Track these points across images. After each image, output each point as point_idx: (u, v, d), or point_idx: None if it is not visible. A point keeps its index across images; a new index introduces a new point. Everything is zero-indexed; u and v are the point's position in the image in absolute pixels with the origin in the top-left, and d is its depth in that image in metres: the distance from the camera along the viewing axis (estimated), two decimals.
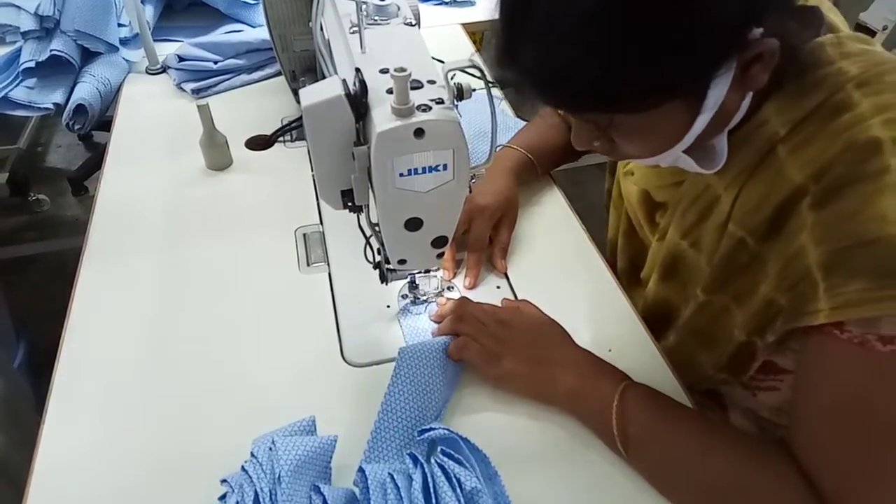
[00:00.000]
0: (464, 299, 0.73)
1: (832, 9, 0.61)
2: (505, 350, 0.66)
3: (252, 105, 1.12)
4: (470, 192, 0.59)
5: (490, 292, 0.80)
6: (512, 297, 0.79)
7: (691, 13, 0.44)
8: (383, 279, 0.71)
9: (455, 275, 0.81)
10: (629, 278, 0.85)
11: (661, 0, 0.44)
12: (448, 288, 0.79)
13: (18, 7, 1.15)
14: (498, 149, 0.91)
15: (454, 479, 0.55)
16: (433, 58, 0.61)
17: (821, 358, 0.52)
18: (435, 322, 0.74)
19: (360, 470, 0.57)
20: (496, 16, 0.53)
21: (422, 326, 0.75)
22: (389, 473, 0.56)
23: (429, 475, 0.55)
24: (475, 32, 1.44)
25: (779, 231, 0.56)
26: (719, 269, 0.63)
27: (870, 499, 0.50)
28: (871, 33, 1.81)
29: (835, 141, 0.52)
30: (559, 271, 0.82)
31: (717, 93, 0.50)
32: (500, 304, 0.74)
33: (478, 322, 0.69)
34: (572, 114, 0.56)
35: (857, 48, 0.56)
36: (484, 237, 0.81)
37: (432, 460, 0.57)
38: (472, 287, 0.80)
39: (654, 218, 0.75)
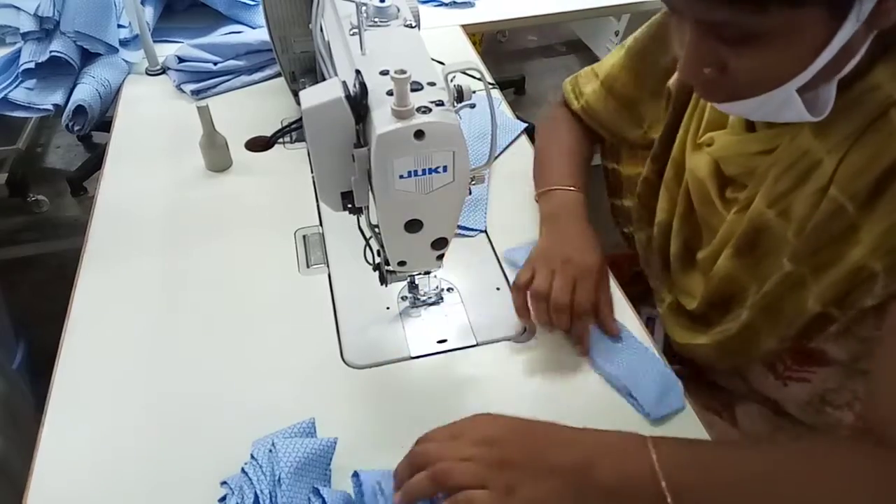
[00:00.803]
0: (420, 440, 0.58)
1: None
2: (514, 475, 0.53)
3: (252, 106, 1.12)
4: (470, 193, 0.58)
5: (489, 294, 0.80)
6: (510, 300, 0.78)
7: None
8: (383, 281, 0.71)
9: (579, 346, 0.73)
10: (684, 260, 0.78)
11: None
12: (448, 290, 0.79)
13: (18, 8, 1.15)
14: (546, 190, 0.86)
15: None
16: (433, 59, 0.61)
17: None
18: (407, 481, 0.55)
19: (355, 475, 0.57)
20: None
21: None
22: (377, 481, 0.56)
23: None
24: (475, 34, 1.44)
25: (881, 195, 0.54)
26: (811, 238, 0.60)
27: None
28: None
29: None
30: None
31: (858, 13, 0.48)
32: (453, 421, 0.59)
33: (461, 460, 0.54)
34: (706, 14, 0.52)
35: None
36: (589, 301, 0.73)
37: None
38: (584, 355, 0.72)
39: (724, 194, 0.71)
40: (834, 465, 0.53)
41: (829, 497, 0.52)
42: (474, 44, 1.37)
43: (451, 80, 0.54)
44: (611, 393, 0.68)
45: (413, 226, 0.59)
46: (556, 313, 0.72)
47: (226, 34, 1.28)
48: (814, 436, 0.64)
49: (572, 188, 0.84)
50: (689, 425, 0.65)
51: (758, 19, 0.49)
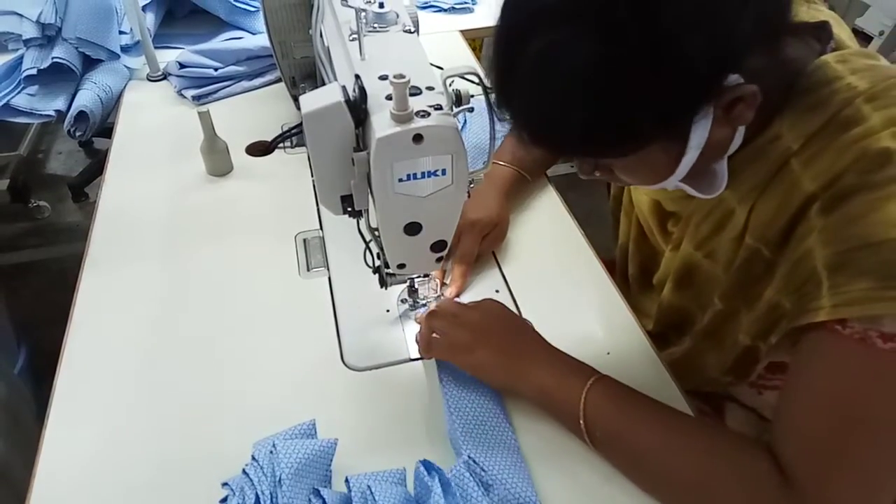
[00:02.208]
0: (441, 299, 0.74)
1: (840, 23, 0.62)
2: (479, 340, 0.67)
3: (252, 111, 1.13)
4: (469, 196, 0.59)
5: (488, 296, 0.80)
6: (511, 302, 0.79)
7: (661, 71, 0.46)
8: (383, 283, 0.71)
9: (443, 284, 0.81)
10: (641, 283, 0.86)
11: (636, 56, 0.46)
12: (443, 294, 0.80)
13: (20, 15, 1.16)
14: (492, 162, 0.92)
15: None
16: (432, 64, 0.61)
17: (819, 352, 0.53)
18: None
19: (347, 481, 0.58)
20: (491, 57, 0.54)
21: None
22: (368, 485, 0.56)
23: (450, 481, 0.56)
24: (474, 39, 1.45)
25: (789, 238, 0.57)
26: (737, 279, 0.64)
27: (845, 490, 0.51)
28: (868, 38, 1.82)
29: (846, 152, 0.53)
30: (558, 277, 0.83)
31: (699, 134, 0.52)
32: None
33: (449, 315, 0.69)
34: (564, 157, 0.59)
35: (864, 63, 0.57)
36: (472, 252, 0.82)
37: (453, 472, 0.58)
38: (456, 296, 0.80)
39: (665, 227, 0.76)
40: (730, 464, 0.56)
41: (705, 486, 0.56)
42: (473, 49, 1.38)
43: (450, 85, 0.54)
44: None
45: (413, 229, 0.60)
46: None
47: (226, 40, 1.28)
48: (730, 433, 0.68)
49: (507, 165, 0.90)
50: None
51: (606, 160, 0.56)
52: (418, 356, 0.73)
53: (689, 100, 0.49)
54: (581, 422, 0.61)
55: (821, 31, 0.60)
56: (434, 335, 0.68)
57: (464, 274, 0.81)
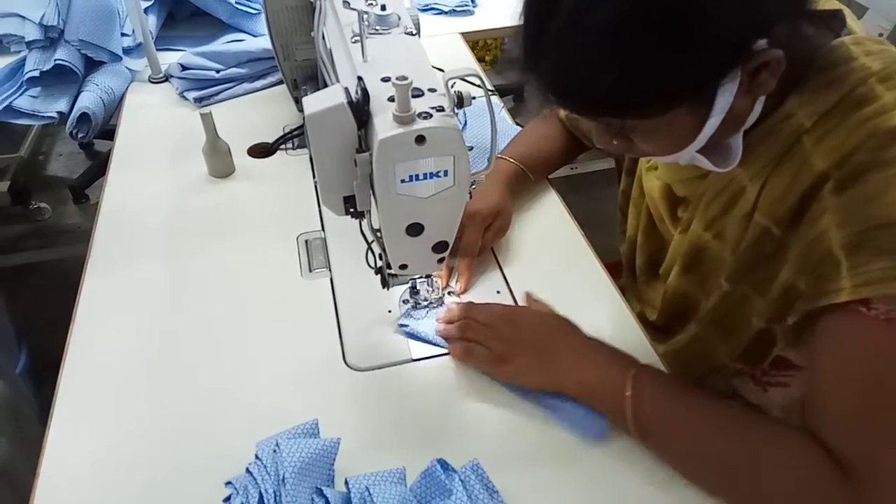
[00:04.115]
0: (469, 304, 0.74)
1: (852, 16, 0.63)
2: (513, 350, 0.68)
3: (254, 113, 1.13)
4: (470, 197, 0.60)
5: (489, 297, 0.80)
6: (511, 303, 0.79)
7: (694, 29, 0.47)
8: (385, 284, 0.72)
9: (448, 282, 0.81)
10: (648, 274, 0.86)
11: (668, 15, 0.47)
12: (448, 293, 0.80)
13: (23, 17, 1.17)
14: (497, 156, 0.93)
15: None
16: (433, 66, 0.62)
17: (845, 334, 0.53)
18: (443, 324, 0.75)
19: (346, 482, 0.58)
20: (520, 22, 0.55)
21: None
22: (366, 487, 0.57)
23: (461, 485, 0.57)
24: (476, 41, 1.45)
25: (801, 217, 0.58)
26: (744, 259, 0.65)
27: (894, 466, 0.51)
28: None
29: (858, 130, 0.54)
30: (558, 277, 0.83)
31: (724, 99, 0.53)
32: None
33: (483, 326, 0.70)
34: (588, 118, 0.59)
35: (878, 47, 0.58)
36: (475, 243, 0.82)
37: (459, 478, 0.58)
38: (463, 292, 0.80)
39: (675, 212, 0.76)
40: (783, 451, 0.56)
41: (758, 475, 0.55)
42: (473, 50, 1.38)
43: (452, 87, 0.55)
44: None
45: (414, 229, 0.60)
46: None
47: (228, 42, 1.29)
48: (779, 420, 0.68)
49: (512, 161, 0.91)
50: None
51: (630, 122, 0.56)
52: (420, 357, 0.73)
53: (720, 61, 0.50)
54: (628, 415, 0.61)
55: (834, 20, 0.61)
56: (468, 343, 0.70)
57: (469, 266, 0.81)
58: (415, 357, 0.73)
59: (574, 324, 0.70)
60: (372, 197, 0.59)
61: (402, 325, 0.76)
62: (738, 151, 0.60)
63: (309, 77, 1.05)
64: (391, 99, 0.54)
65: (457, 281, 0.81)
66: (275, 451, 0.58)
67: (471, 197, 0.60)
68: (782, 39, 0.50)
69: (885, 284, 0.50)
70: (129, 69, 1.23)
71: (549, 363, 0.66)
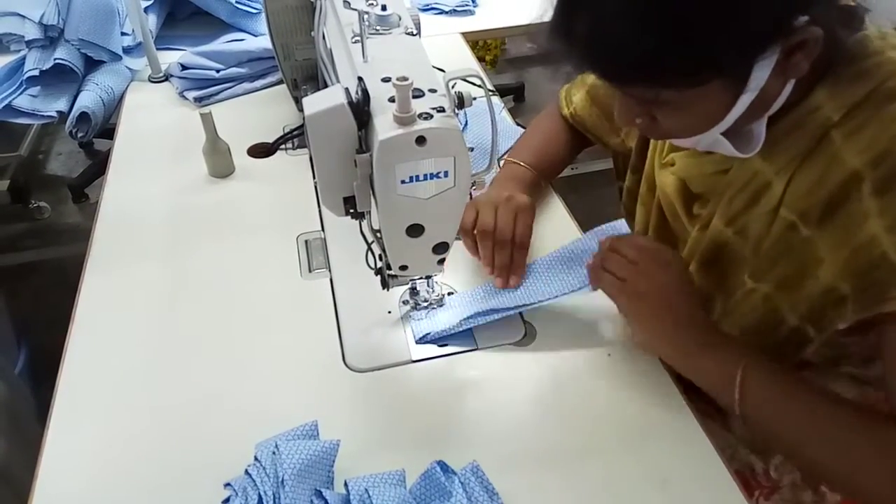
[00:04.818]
0: (616, 237, 0.71)
1: (867, 11, 0.62)
2: (651, 291, 0.65)
3: (254, 113, 1.13)
4: (471, 198, 0.59)
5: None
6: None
7: None
8: (385, 285, 0.72)
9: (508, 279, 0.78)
10: None
11: None
12: (449, 293, 0.80)
13: (23, 16, 1.16)
14: (500, 162, 0.92)
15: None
16: (434, 67, 0.61)
17: None
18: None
19: (345, 484, 0.58)
20: None
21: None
22: (366, 488, 0.56)
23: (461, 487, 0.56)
24: (476, 41, 1.45)
25: (833, 215, 0.57)
26: (768, 256, 0.64)
27: None
28: None
29: (890, 127, 0.53)
30: None
31: (760, 75, 0.52)
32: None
33: (628, 260, 0.67)
34: (620, 87, 0.57)
35: None
36: (529, 233, 0.79)
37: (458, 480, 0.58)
38: (515, 285, 0.78)
39: (691, 209, 0.75)
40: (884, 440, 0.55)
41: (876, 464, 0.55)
42: (474, 50, 1.38)
43: (452, 87, 0.54)
44: (611, 395, 0.69)
45: (415, 230, 0.60)
46: (499, 247, 0.77)
47: (228, 42, 1.29)
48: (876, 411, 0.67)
49: (527, 167, 0.88)
50: (688, 428, 0.66)
51: (665, 93, 0.55)
52: (420, 358, 0.73)
53: (763, 32, 0.49)
54: (735, 403, 0.60)
55: (856, 13, 0.60)
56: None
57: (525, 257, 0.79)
58: (414, 358, 0.73)
59: (701, 305, 0.67)
60: (372, 197, 0.59)
61: (421, 339, 0.74)
62: (760, 137, 0.59)
63: (309, 77, 1.05)
64: (392, 99, 0.54)
65: (511, 275, 0.78)
66: (274, 452, 0.57)
67: (471, 198, 0.60)
68: (820, 19, 0.50)
69: None
70: (129, 68, 1.23)
71: (675, 331, 0.64)
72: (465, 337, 0.75)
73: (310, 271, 0.84)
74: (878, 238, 0.54)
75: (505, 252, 0.78)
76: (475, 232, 0.79)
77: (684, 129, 0.59)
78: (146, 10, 1.23)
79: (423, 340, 0.74)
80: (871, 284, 0.55)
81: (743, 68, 0.51)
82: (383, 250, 0.66)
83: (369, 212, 0.63)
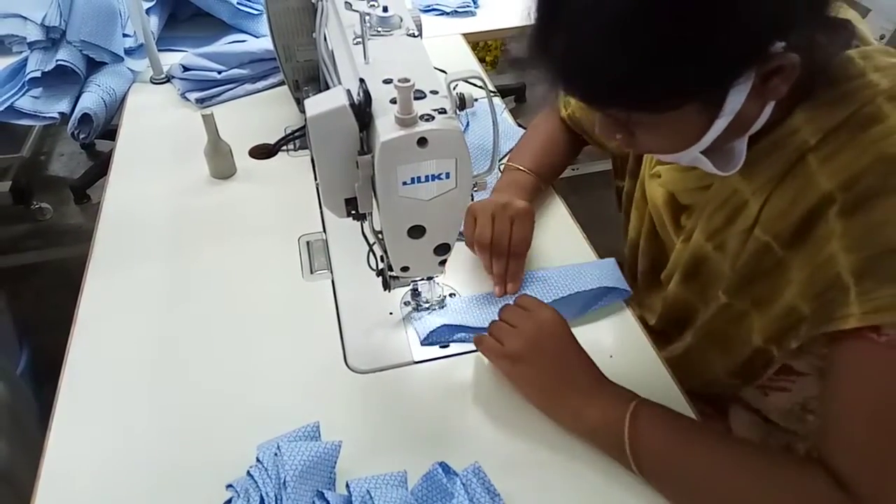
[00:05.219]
0: (508, 305, 0.72)
1: (861, 20, 0.62)
2: (527, 355, 0.65)
3: (256, 114, 1.13)
4: (472, 199, 0.59)
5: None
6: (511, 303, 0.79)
7: (715, 23, 0.46)
8: (386, 286, 0.72)
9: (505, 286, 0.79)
10: (650, 280, 0.85)
11: (687, 7, 0.46)
12: (451, 295, 0.80)
13: (25, 18, 1.17)
14: (501, 165, 0.92)
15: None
16: (435, 68, 0.61)
17: (857, 361, 0.53)
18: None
19: (347, 486, 0.58)
20: (532, 10, 0.54)
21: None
22: (367, 490, 0.56)
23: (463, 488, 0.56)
24: (477, 42, 1.45)
25: (805, 238, 0.57)
26: (743, 273, 0.64)
27: None
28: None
29: (865, 152, 0.53)
30: None
31: (735, 100, 0.52)
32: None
33: (508, 323, 0.68)
34: (595, 108, 0.58)
35: (887, 62, 0.57)
36: (528, 240, 0.80)
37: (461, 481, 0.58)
38: (514, 292, 0.78)
39: (679, 220, 0.75)
40: (787, 485, 0.54)
41: None
42: (475, 51, 1.38)
43: (454, 89, 0.54)
44: None
45: (416, 232, 0.60)
46: (496, 256, 0.78)
47: (230, 43, 1.29)
48: (781, 452, 0.67)
49: (528, 171, 0.89)
50: None
51: (637, 115, 0.55)
52: (422, 359, 0.73)
53: (737, 59, 0.49)
54: (627, 452, 0.59)
55: (843, 30, 0.59)
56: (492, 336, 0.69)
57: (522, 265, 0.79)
58: (416, 359, 0.73)
59: (588, 356, 0.66)
60: (374, 199, 0.59)
61: (425, 340, 0.74)
62: (741, 156, 0.59)
63: (310, 78, 1.05)
64: (393, 101, 0.54)
65: (509, 282, 0.79)
66: (276, 453, 0.57)
67: (472, 199, 0.60)
68: (799, 45, 0.50)
69: (894, 311, 0.49)
70: (131, 70, 1.23)
71: (555, 388, 0.65)
72: (467, 338, 0.75)
73: (311, 272, 0.84)
74: (835, 257, 0.54)
75: (502, 262, 0.78)
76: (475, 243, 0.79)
77: (662, 147, 0.60)
78: (148, 11, 1.23)
79: (427, 342, 0.74)
80: (825, 303, 0.55)
81: (717, 94, 0.51)
82: (385, 251, 0.66)
83: (371, 213, 0.63)
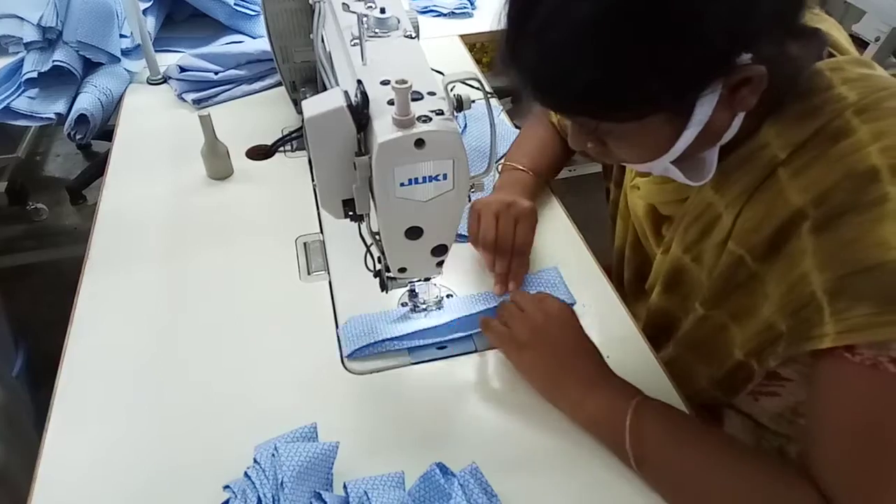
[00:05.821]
0: (521, 291, 0.74)
1: (837, 27, 0.62)
2: (533, 342, 0.67)
3: (253, 115, 1.13)
4: (469, 200, 0.60)
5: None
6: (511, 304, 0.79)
7: (680, 35, 0.47)
8: (384, 287, 0.72)
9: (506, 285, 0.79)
10: (635, 288, 0.86)
11: (652, 19, 0.46)
12: (448, 296, 0.80)
13: (21, 18, 1.16)
14: (498, 165, 0.92)
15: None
16: (433, 69, 0.62)
17: (835, 380, 0.53)
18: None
19: (344, 486, 0.58)
20: (503, 17, 0.54)
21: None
22: (365, 491, 0.56)
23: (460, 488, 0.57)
24: (474, 44, 1.46)
25: (777, 252, 0.57)
26: (718, 285, 0.64)
27: None
28: (864, 44, 1.84)
29: (834, 167, 0.53)
30: None
31: (703, 111, 0.52)
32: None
33: (518, 309, 0.69)
34: (565, 116, 0.58)
35: (857, 73, 0.57)
36: (530, 240, 0.80)
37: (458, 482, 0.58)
38: (517, 287, 0.78)
39: (660, 230, 0.76)
40: (773, 493, 0.55)
41: None
42: (473, 53, 1.38)
43: (451, 90, 0.55)
44: None
45: (413, 233, 0.60)
46: (500, 255, 0.78)
47: (227, 44, 1.29)
48: (777, 459, 0.68)
49: (526, 170, 0.89)
50: None
51: (605, 125, 0.55)
52: (419, 360, 0.73)
53: (703, 70, 0.49)
54: (627, 446, 0.59)
55: (814, 39, 0.59)
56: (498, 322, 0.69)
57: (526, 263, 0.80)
58: (413, 361, 0.73)
59: (595, 348, 0.68)
60: (371, 200, 0.59)
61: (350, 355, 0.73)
62: (711, 166, 0.59)
63: (308, 79, 1.05)
64: (391, 102, 0.54)
65: (497, 282, 0.79)
66: (273, 454, 0.57)
67: (470, 200, 0.60)
68: (767, 56, 0.50)
69: (869, 331, 0.49)
70: (128, 70, 1.22)
71: (559, 375, 0.65)
72: (464, 339, 0.75)
73: (309, 273, 0.84)
74: (808, 275, 0.54)
75: (505, 260, 0.79)
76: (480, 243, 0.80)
77: (631, 157, 0.60)
78: (144, 12, 1.23)
79: (351, 356, 0.73)
80: (800, 322, 0.55)
81: (684, 105, 0.52)
82: (382, 253, 0.66)
83: (368, 214, 0.63)
